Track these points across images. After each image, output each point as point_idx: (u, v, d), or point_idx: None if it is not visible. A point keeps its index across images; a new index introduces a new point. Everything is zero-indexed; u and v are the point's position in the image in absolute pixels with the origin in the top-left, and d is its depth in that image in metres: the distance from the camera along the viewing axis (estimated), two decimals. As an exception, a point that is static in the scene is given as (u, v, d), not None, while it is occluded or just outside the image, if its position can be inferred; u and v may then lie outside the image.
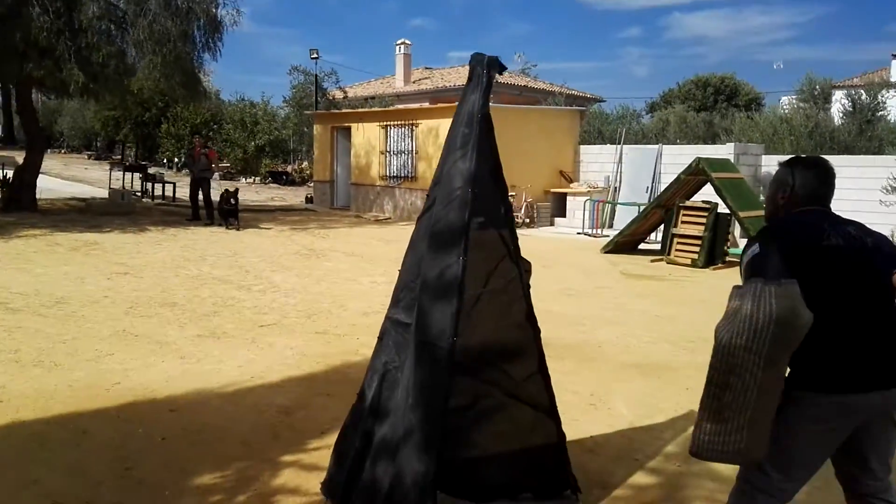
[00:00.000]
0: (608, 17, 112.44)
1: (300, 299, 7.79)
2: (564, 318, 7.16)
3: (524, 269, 3.06)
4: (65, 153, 43.33)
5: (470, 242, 2.85)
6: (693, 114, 23.97)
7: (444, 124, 16.31)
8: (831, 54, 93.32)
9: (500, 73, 2.79)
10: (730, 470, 3.53)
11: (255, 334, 6.25)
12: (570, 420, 4.29)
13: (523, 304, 3.08)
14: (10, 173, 15.15)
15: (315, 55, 24.98)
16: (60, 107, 40.36)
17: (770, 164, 14.52)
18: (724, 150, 14.27)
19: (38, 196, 15.28)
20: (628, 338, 6.52)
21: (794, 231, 2.41)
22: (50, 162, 31.63)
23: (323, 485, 3.23)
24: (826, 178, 2.52)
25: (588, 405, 4.68)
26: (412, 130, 16.76)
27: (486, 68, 2.71)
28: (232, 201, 13.64)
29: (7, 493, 3.24)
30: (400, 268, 3.01)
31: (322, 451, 3.54)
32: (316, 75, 26.19)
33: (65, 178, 25.26)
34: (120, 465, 3.56)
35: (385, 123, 17.57)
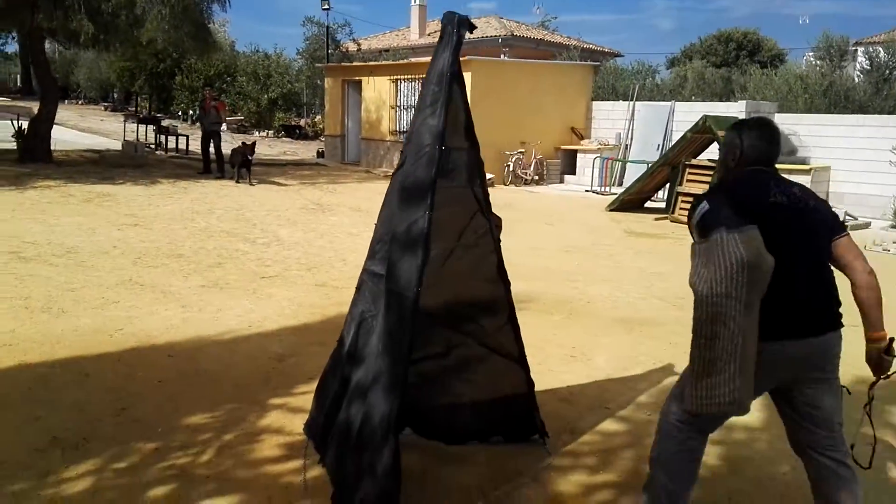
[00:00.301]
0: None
1: (303, 252, 7.98)
2: (560, 274, 7.30)
3: (494, 224, 3.18)
4: (82, 104, 43.53)
5: (444, 199, 2.98)
6: (712, 70, 23.57)
7: (455, 79, 16.28)
8: (860, 9, 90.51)
9: (471, 32, 2.86)
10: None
11: (257, 285, 6.45)
12: (548, 371, 4.49)
13: (494, 257, 3.20)
14: (25, 124, 15.34)
15: (326, 6, 24.69)
16: (76, 58, 40.41)
17: (783, 122, 14.34)
18: (736, 108, 14.13)
19: (53, 147, 15.48)
20: (619, 294, 6.65)
21: (740, 187, 2.52)
22: (66, 113, 31.86)
23: (305, 425, 3.45)
24: (773, 138, 2.62)
25: (569, 357, 4.84)
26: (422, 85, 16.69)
27: (456, 27, 2.79)
28: (248, 156, 13.70)
29: (12, 428, 3.48)
30: (376, 222, 3.14)
31: (308, 396, 3.71)
32: (328, 27, 25.96)
33: (81, 129, 25.45)
34: (118, 404, 3.79)
35: (395, 77, 17.50)
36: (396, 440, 2.61)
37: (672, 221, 11.67)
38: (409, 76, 17.23)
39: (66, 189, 11.63)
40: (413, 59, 21.66)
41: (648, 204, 13.59)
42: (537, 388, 4.14)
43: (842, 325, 2.53)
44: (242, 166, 13.71)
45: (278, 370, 4.38)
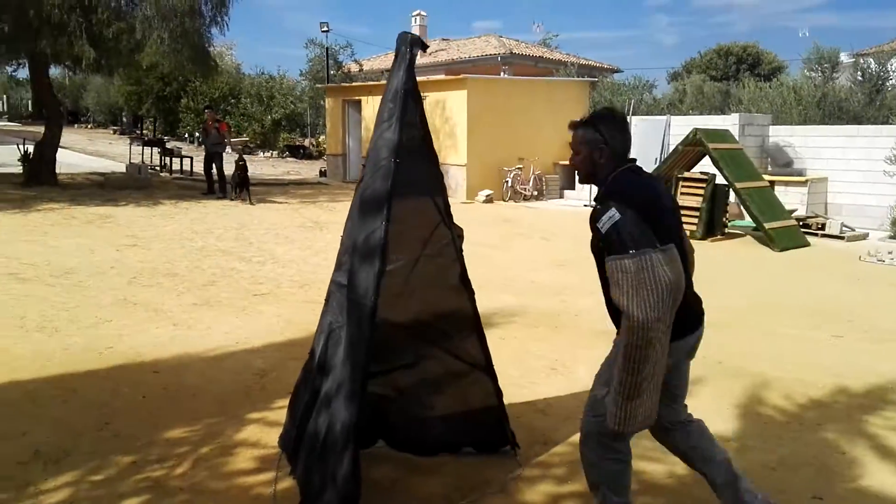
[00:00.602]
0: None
1: (296, 270, 8.09)
2: (548, 288, 7.36)
3: (457, 234, 3.27)
4: (91, 128, 44.15)
5: (406, 211, 3.09)
6: (710, 83, 23.72)
7: (452, 97, 16.43)
8: (862, 21, 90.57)
9: (424, 51, 2.99)
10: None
11: (248, 303, 6.56)
12: (528, 383, 4.56)
13: (458, 266, 3.29)
14: (31, 148, 15.60)
15: (325, 28, 25.06)
16: (86, 82, 41.08)
17: (777, 134, 14.42)
18: (730, 121, 14.19)
19: (60, 171, 15.73)
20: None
21: (638, 191, 2.54)
22: (75, 137, 32.34)
23: (280, 438, 3.53)
24: (628, 128, 2.70)
25: (550, 370, 4.91)
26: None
27: (409, 47, 2.91)
28: (237, 174, 13.88)
29: (-4, 442, 3.58)
30: (342, 234, 3.24)
31: (286, 409, 3.81)
32: (327, 48, 26.35)
33: (89, 153, 25.80)
34: (101, 420, 3.88)
35: (394, 97, 17.71)
36: (356, 447, 2.69)
37: (668, 235, 11.72)
38: (408, 95, 17.43)
39: (69, 211, 11.82)
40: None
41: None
42: (516, 400, 4.24)
43: None
44: (241, 185, 13.87)
45: (260, 385, 4.47)
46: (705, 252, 10.13)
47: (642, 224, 2.40)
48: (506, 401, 4.06)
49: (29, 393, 4.24)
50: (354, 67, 28.55)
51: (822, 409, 4.26)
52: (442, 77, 18.36)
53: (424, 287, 3.37)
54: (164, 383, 4.46)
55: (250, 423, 3.87)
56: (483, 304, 6.54)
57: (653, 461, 3.50)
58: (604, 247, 2.47)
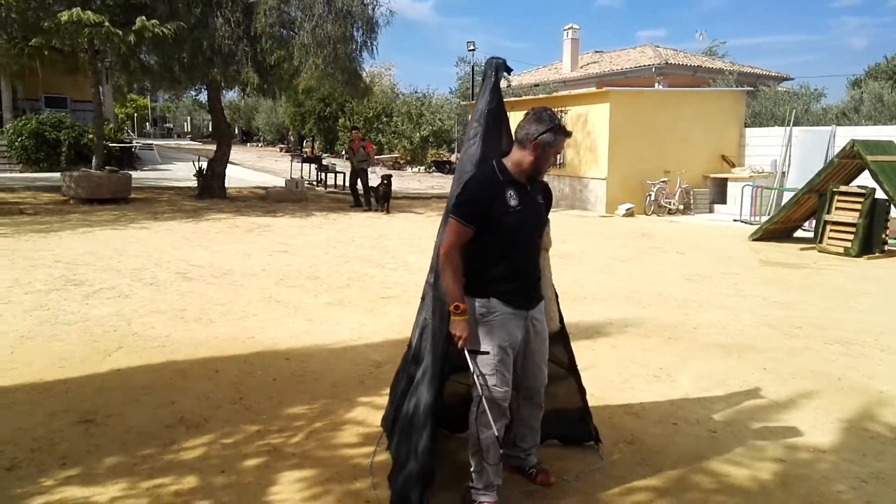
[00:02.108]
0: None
1: (424, 277, 8.52)
2: (672, 301, 7.26)
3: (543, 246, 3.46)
4: (261, 146, 48.26)
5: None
6: (888, 91, 21.71)
7: (594, 110, 16.41)
8: None
9: (509, 74, 3.24)
10: (761, 439, 3.74)
11: (375, 304, 7.07)
12: (627, 388, 4.64)
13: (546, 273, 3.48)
14: (205, 165, 17.50)
15: (472, 47, 25.83)
16: (256, 104, 45.03)
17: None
18: (899, 131, 13.06)
19: (228, 185, 17.50)
20: (729, 321, 6.52)
21: None
22: (247, 154, 35.54)
23: (382, 419, 3.89)
24: None
25: (652, 377, 4.92)
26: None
27: (494, 70, 3.18)
28: (382, 188, 15.13)
29: (151, 408, 4.23)
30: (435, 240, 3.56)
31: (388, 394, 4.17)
32: (473, 66, 27.09)
33: (257, 169, 28.28)
34: (236, 395, 4.46)
35: (535, 112, 17.96)
36: (434, 425, 2.98)
37: (820, 251, 11.00)
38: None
39: (233, 221, 13.17)
40: (556, 94, 22.00)
41: (800, 234, 12.85)
42: (611, 402, 4.35)
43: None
44: (383, 198, 14.88)
45: (373, 374, 4.88)
46: (858, 270, 9.45)
47: None
48: (602, 402, 4.21)
49: (181, 371, 4.93)
50: (503, 83, 29.08)
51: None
52: (583, 91, 18.33)
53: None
54: (293, 369, 5.00)
55: (359, 406, 4.28)
56: (601, 314, 6.63)
57: (739, 465, 3.49)
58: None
